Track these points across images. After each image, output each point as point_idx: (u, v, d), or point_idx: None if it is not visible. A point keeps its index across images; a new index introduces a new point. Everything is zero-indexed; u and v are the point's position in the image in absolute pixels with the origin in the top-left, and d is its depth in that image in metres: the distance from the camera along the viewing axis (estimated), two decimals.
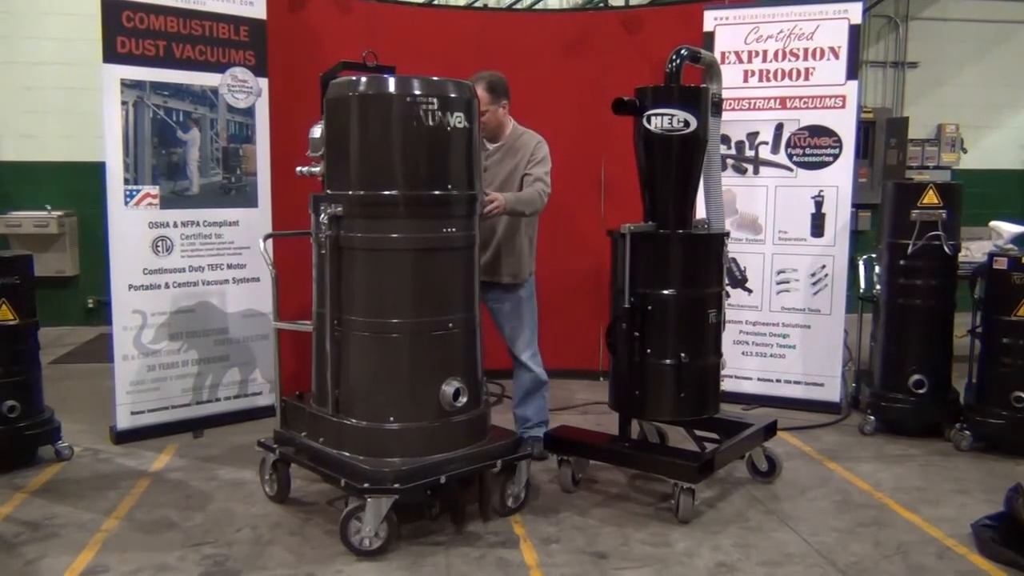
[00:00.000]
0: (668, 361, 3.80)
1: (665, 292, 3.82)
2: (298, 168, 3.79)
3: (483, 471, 3.72)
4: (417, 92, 3.46)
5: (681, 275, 3.85)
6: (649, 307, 3.80)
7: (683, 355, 3.78)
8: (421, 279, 3.57)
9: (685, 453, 3.91)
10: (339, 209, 3.50)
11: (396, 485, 3.36)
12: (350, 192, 3.52)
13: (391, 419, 3.52)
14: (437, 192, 3.54)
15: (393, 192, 3.49)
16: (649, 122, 3.81)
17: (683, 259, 3.87)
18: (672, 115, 3.77)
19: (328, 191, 3.59)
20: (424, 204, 3.53)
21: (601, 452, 4.04)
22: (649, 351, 3.82)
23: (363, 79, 3.55)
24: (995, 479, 4.24)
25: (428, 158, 3.52)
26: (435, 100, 3.46)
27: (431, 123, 3.45)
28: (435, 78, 3.54)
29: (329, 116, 3.58)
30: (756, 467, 4.20)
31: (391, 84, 3.49)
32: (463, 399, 3.56)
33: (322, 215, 3.51)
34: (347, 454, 3.53)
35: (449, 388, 3.53)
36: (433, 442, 3.56)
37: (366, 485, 3.37)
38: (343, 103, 3.53)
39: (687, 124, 3.76)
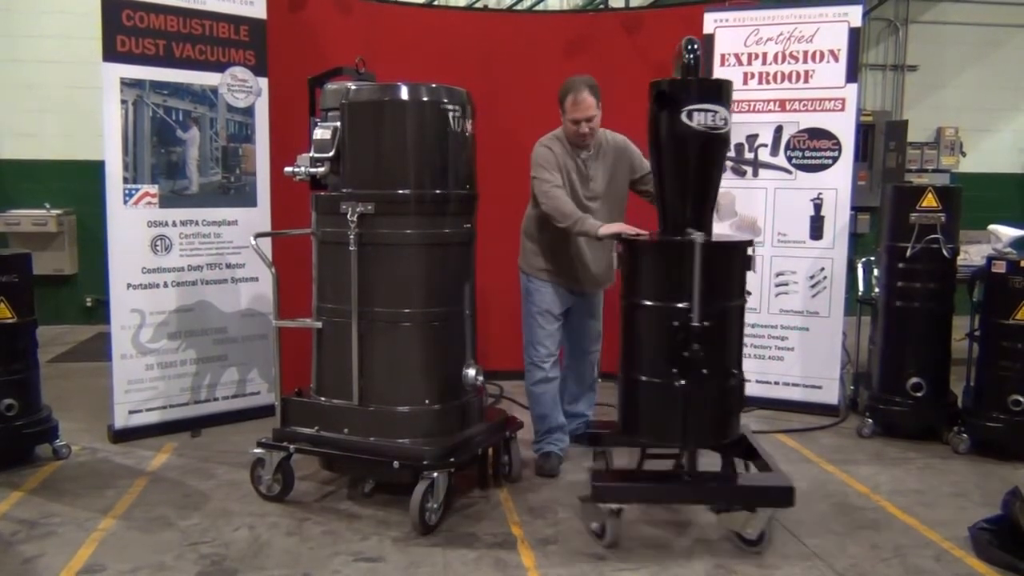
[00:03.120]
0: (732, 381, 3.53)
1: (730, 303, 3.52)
2: (287, 168, 3.84)
3: (497, 442, 4.11)
4: (446, 100, 3.76)
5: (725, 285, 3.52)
6: (707, 323, 3.39)
7: (735, 372, 3.55)
8: (451, 270, 3.91)
9: (768, 479, 3.57)
10: (370, 207, 3.67)
11: (453, 459, 3.69)
12: (382, 191, 3.73)
13: (427, 401, 3.80)
14: (462, 191, 3.90)
15: (439, 191, 3.80)
16: (691, 118, 3.42)
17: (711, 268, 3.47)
18: (715, 112, 3.43)
19: (348, 190, 3.75)
20: (452, 202, 3.86)
21: (676, 492, 3.58)
22: (707, 372, 3.40)
23: (396, 86, 3.75)
24: (993, 482, 4.24)
25: (455, 160, 3.85)
26: (459, 108, 3.80)
27: (456, 129, 3.81)
28: (458, 88, 3.87)
29: (352, 119, 3.75)
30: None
31: (424, 92, 3.76)
32: (480, 379, 3.95)
33: (350, 213, 3.68)
34: (383, 440, 3.74)
35: (471, 370, 3.92)
36: (463, 420, 3.93)
37: (426, 463, 3.61)
38: (372, 108, 3.75)
39: (726, 122, 3.46)
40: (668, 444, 3.70)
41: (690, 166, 3.51)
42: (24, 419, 4.33)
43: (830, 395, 5.39)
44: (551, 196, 4.04)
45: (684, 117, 3.41)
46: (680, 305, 3.37)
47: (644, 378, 3.51)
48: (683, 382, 3.37)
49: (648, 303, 3.49)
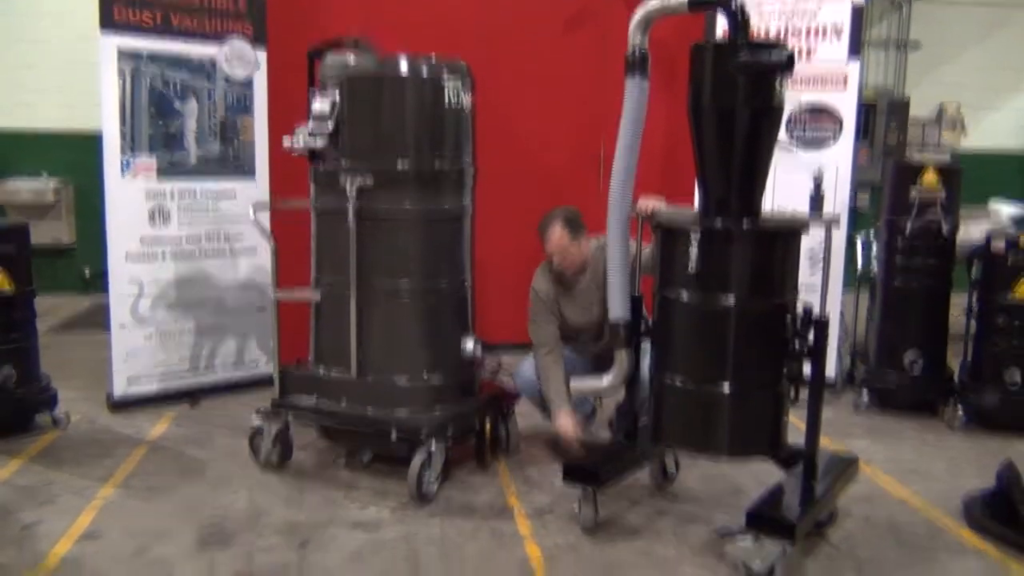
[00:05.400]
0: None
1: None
2: (285, 140, 3.82)
3: (495, 415, 4.12)
4: (445, 74, 3.73)
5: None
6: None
7: None
8: (450, 243, 3.91)
9: (838, 459, 3.60)
10: (369, 180, 3.65)
11: (450, 431, 3.73)
12: (381, 164, 3.70)
13: (425, 373, 3.80)
14: (461, 165, 3.89)
15: (438, 165, 3.78)
16: (782, 87, 3.14)
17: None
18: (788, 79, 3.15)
19: (347, 163, 3.73)
20: (451, 175, 3.85)
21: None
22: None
23: (395, 59, 3.73)
24: (987, 456, 4.26)
25: (454, 134, 3.83)
26: (458, 82, 3.77)
27: (455, 103, 3.77)
28: (457, 61, 3.83)
29: (351, 92, 3.73)
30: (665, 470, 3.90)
31: (423, 65, 3.72)
32: (479, 351, 3.94)
33: (349, 186, 3.66)
34: (381, 411, 3.75)
35: (469, 342, 3.91)
36: (461, 392, 3.93)
37: (424, 434, 3.64)
38: (371, 81, 3.74)
39: None
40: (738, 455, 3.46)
41: (768, 140, 3.20)
42: (23, 388, 4.34)
43: (827, 369, 5.37)
44: (539, 366, 4.12)
45: (778, 86, 3.10)
46: (788, 298, 3.20)
47: (701, 386, 3.23)
48: (792, 386, 3.22)
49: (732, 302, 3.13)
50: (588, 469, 3.42)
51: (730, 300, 3.13)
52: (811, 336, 3.18)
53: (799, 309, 3.21)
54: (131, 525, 3.41)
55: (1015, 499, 3.42)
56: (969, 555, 3.31)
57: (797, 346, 3.16)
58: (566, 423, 3.98)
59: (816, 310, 3.18)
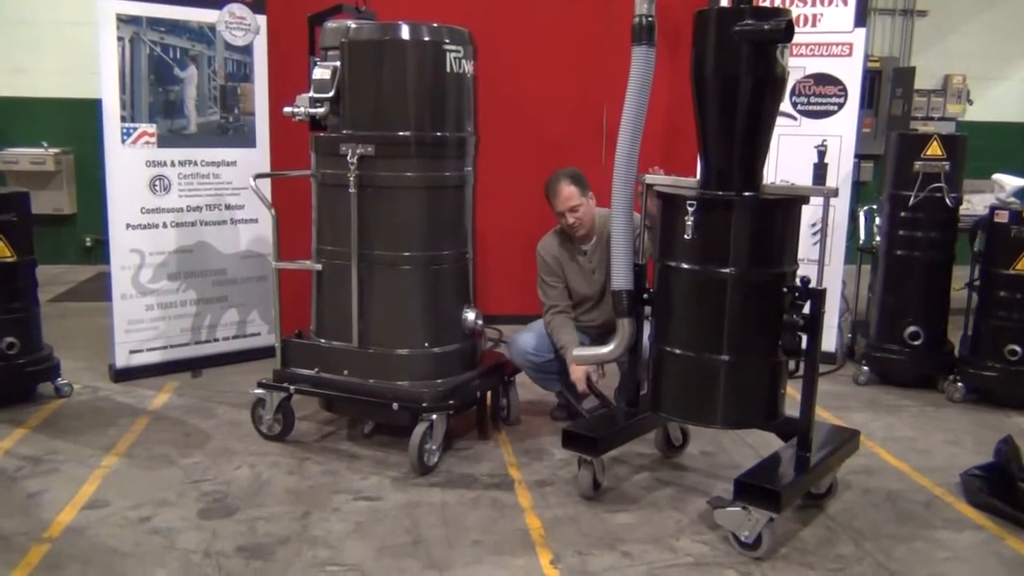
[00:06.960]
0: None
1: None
2: (286, 108, 3.79)
3: (496, 386, 4.15)
4: (447, 40, 3.69)
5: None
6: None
7: None
8: (452, 213, 3.89)
9: (838, 432, 3.60)
10: (370, 149, 3.65)
11: (451, 402, 3.72)
12: (382, 132, 3.68)
13: (426, 344, 3.81)
14: (463, 133, 3.87)
15: (440, 133, 3.77)
16: (783, 56, 3.08)
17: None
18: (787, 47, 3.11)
19: (348, 131, 3.71)
20: (453, 144, 3.83)
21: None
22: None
23: (396, 25, 3.68)
24: (986, 430, 4.28)
25: (456, 102, 3.80)
26: (461, 48, 3.73)
27: (457, 70, 3.74)
28: (460, 28, 3.80)
29: (352, 59, 3.69)
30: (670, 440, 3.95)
31: (425, 32, 3.69)
32: (480, 322, 3.93)
33: (350, 155, 3.65)
34: (382, 382, 3.76)
35: (470, 313, 3.91)
36: (461, 363, 3.93)
37: (425, 405, 3.65)
38: (372, 47, 3.71)
39: None
40: (739, 425, 3.60)
41: (769, 109, 3.16)
42: (25, 357, 4.36)
43: (827, 342, 5.39)
44: (548, 323, 4.13)
45: (779, 55, 3.05)
46: (787, 269, 3.19)
47: (702, 354, 3.21)
48: (791, 359, 3.22)
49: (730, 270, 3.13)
50: (587, 437, 3.44)
51: (728, 269, 3.13)
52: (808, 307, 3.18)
53: (797, 280, 3.21)
54: (135, 495, 3.43)
55: (1013, 474, 3.44)
56: (967, 528, 3.33)
57: (794, 317, 3.16)
58: (580, 370, 3.95)
59: (814, 282, 3.18)
